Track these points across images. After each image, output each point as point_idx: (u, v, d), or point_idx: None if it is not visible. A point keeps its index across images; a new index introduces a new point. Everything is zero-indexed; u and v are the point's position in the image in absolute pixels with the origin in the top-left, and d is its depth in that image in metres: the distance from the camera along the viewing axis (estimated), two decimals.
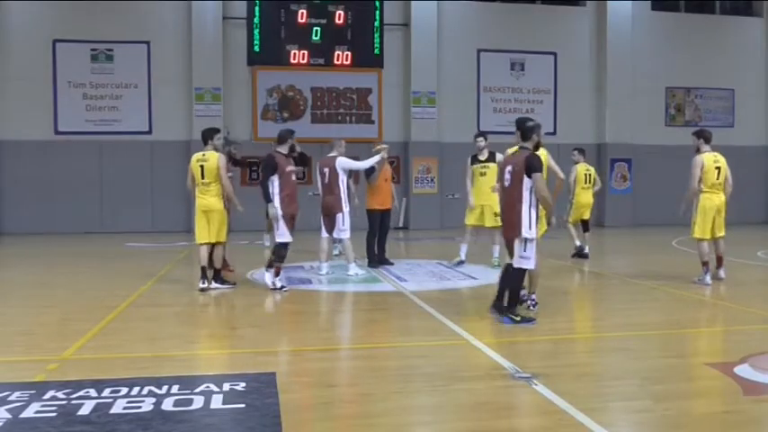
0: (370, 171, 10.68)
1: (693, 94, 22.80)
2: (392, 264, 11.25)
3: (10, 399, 4.37)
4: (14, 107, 18.94)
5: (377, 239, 11.14)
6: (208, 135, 9.10)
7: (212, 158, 8.89)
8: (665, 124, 22.62)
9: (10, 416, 4.08)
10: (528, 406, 4.38)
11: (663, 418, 4.23)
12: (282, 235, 8.77)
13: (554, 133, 21.57)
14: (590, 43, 22.01)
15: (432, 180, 20.54)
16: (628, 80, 21.77)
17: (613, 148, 21.77)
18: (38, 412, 4.16)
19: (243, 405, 4.30)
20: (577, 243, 12.69)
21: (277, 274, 8.87)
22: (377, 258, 11.12)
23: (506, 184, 6.92)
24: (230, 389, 4.60)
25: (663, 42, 22.38)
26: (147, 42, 19.58)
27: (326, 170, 9.99)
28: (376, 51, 20.48)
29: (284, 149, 8.90)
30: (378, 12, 20.42)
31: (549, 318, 7.44)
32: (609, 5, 21.59)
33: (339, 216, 9.96)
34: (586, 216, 12.92)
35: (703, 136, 9.42)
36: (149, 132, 19.65)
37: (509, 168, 6.90)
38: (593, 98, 22.06)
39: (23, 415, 4.11)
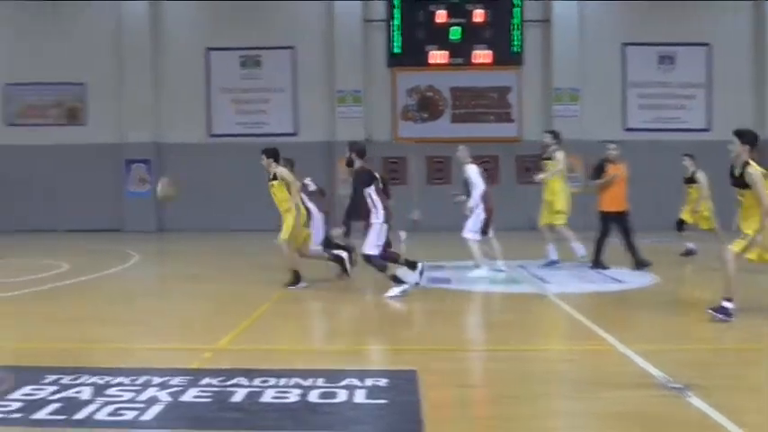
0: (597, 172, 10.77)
1: None
2: (607, 268, 10.49)
3: (171, 383, 4.69)
4: (173, 113, 20.32)
5: (626, 242, 10.62)
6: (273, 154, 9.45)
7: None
8: None
9: (171, 399, 4.38)
10: (682, 419, 4.13)
11: None
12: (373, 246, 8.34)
13: (708, 130, 20.28)
14: (748, 34, 20.44)
15: (577, 179, 19.85)
16: None
17: None
18: (195, 397, 4.44)
19: (385, 401, 4.37)
20: (689, 245, 12.45)
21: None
22: (599, 261, 10.55)
23: None
24: (373, 384, 4.68)
25: None
26: (292, 47, 20.37)
27: None
28: (516, 49, 20.16)
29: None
30: (517, 9, 20.08)
31: (699, 325, 6.97)
32: None
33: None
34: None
35: None
36: (295, 134, 20.41)
37: None
38: (752, 92, 20.45)
39: (183, 399, 4.40)
